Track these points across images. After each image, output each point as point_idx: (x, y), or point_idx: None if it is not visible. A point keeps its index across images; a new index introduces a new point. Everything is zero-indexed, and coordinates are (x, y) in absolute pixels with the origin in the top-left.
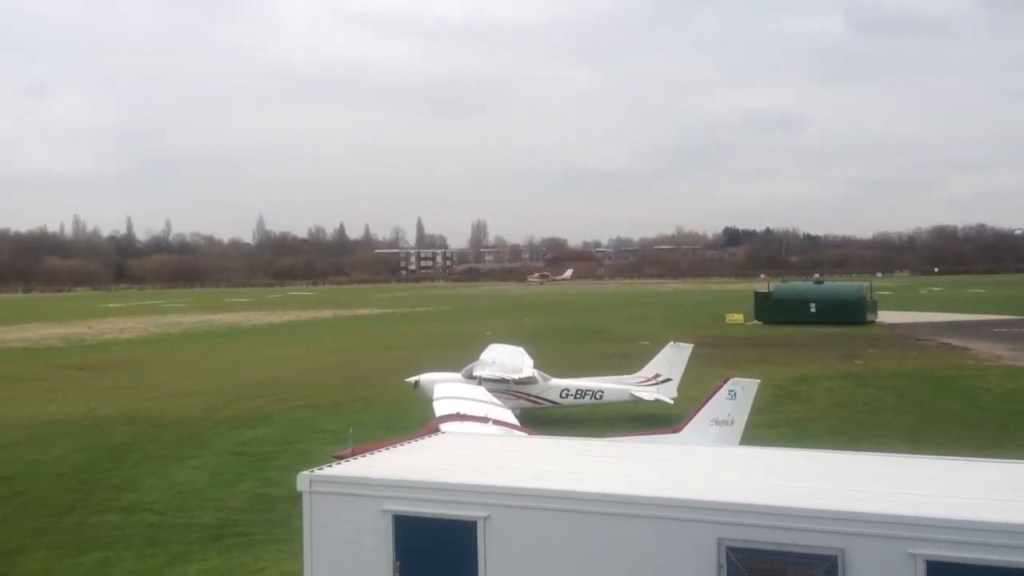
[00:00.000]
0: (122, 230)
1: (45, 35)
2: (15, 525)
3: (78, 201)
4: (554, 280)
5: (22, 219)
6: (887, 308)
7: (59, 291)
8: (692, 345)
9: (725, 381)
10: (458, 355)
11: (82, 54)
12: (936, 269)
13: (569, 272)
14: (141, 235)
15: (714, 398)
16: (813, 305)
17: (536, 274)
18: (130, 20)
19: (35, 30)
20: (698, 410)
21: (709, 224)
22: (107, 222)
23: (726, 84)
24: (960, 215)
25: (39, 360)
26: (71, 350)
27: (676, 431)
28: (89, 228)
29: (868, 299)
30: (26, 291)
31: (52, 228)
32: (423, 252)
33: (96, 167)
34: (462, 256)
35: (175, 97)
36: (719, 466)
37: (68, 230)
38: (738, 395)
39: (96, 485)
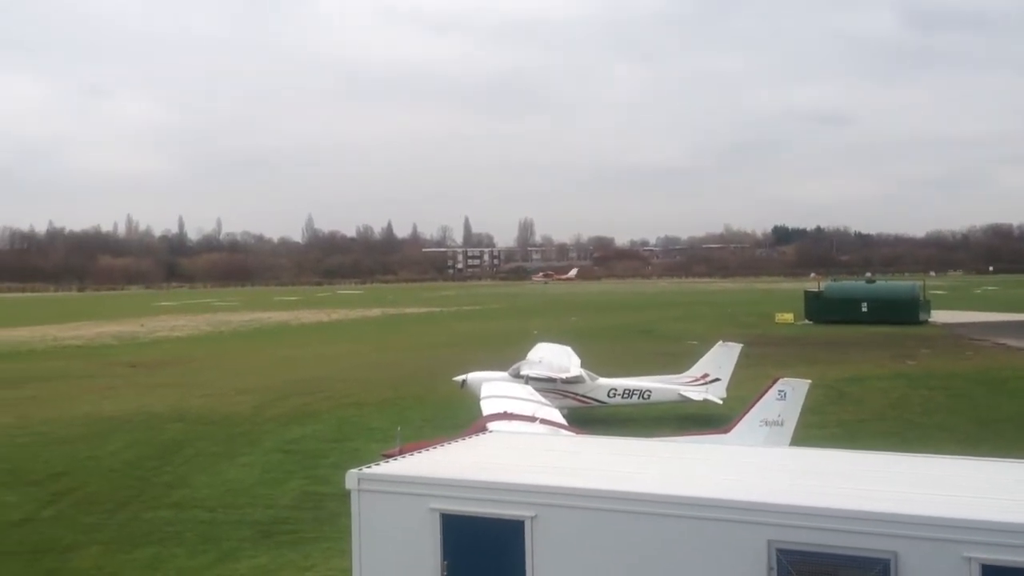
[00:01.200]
0: (174, 229)
1: (102, 37)
2: (70, 520)
3: (131, 201)
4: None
5: (77, 219)
6: (940, 307)
7: (112, 289)
8: (741, 345)
9: (775, 381)
10: (505, 354)
11: (137, 56)
12: (991, 268)
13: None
14: (192, 234)
15: (764, 398)
16: (865, 304)
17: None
18: (183, 22)
19: (93, 32)
20: (747, 410)
21: (758, 222)
22: (159, 221)
23: (776, 80)
24: (1016, 212)
25: (93, 358)
26: (124, 348)
27: (725, 431)
28: (142, 227)
29: (921, 298)
30: (80, 290)
31: (106, 227)
32: (470, 251)
33: (149, 167)
34: (509, 255)
35: (227, 98)
36: (769, 467)
37: (121, 229)
38: (788, 395)
39: (148, 481)
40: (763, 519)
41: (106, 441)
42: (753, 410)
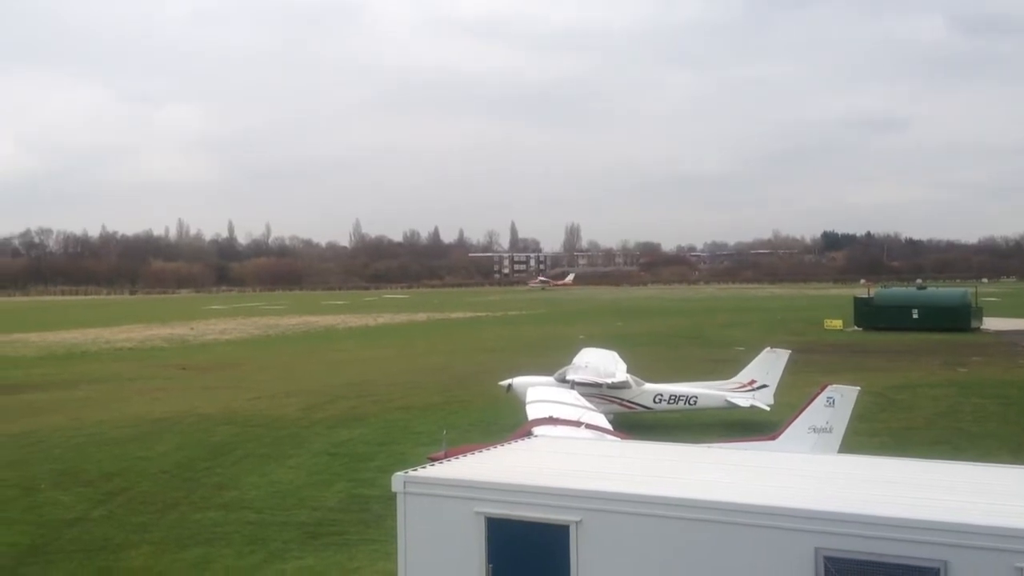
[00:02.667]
0: (224, 234)
1: (155, 48)
2: (121, 520)
3: (183, 205)
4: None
5: (130, 223)
6: (993, 315)
7: (163, 293)
8: (789, 351)
9: (823, 388)
10: (551, 359)
11: (190, 66)
12: None
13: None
14: (242, 238)
15: (812, 405)
16: (915, 311)
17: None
18: (234, 34)
19: (146, 44)
20: (795, 417)
21: (807, 228)
22: (210, 226)
23: (825, 86)
24: None
25: (145, 360)
26: (174, 350)
27: (772, 438)
28: (192, 231)
29: (973, 305)
30: (132, 293)
31: (158, 232)
32: (516, 256)
33: (200, 173)
34: (555, 260)
35: (277, 105)
36: (817, 474)
37: (173, 234)
38: (837, 402)
39: (198, 482)
40: (811, 526)
41: (157, 442)
42: (801, 417)
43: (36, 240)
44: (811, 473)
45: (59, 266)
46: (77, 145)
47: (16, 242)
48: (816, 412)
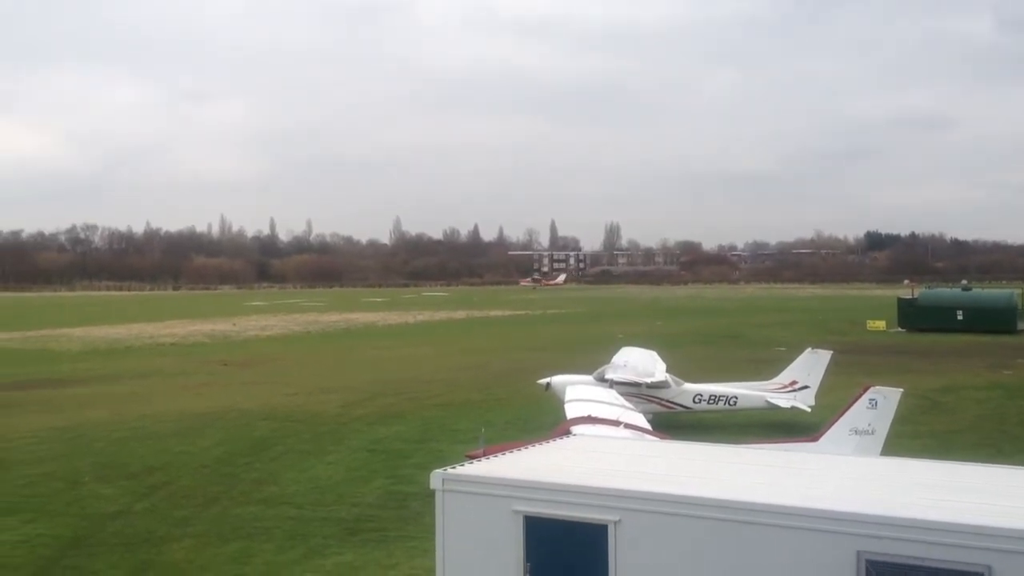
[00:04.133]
0: (265, 230)
1: (198, 45)
2: (163, 514)
3: (225, 202)
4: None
5: (173, 219)
6: None
7: (206, 289)
8: (831, 352)
9: (866, 389)
10: (590, 357)
11: (232, 63)
12: None
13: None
14: (283, 235)
15: (854, 407)
16: (960, 312)
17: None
18: (276, 31)
19: (189, 40)
20: (837, 419)
21: (850, 228)
22: (252, 223)
23: (870, 85)
24: None
25: (187, 355)
26: (216, 346)
27: (813, 440)
28: (235, 228)
29: (1019, 307)
30: (175, 289)
31: (200, 228)
32: (556, 254)
33: (243, 170)
34: (595, 258)
35: (318, 102)
36: (859, 477)
37: (215, 230)
38: (879, 404)
39: (238, 477)
40: (853, 529)
41: (198, 437)
42: (843, 418)
43: (82, 236)
44: (853, 475)
45: (104, 262)
46: (123, 141)
47: (62, 238)
48: (858, 414)
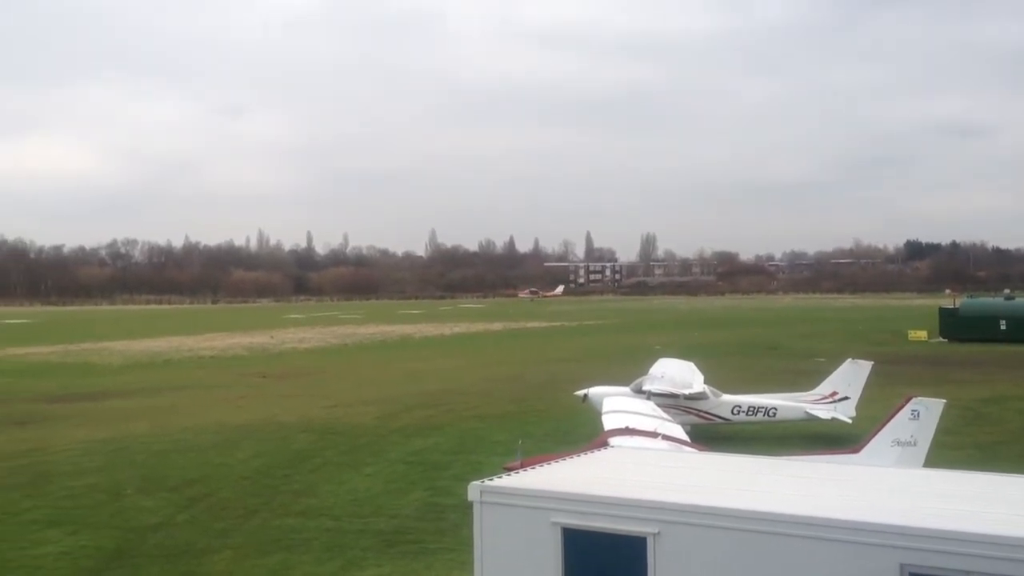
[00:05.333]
0: (302, 243)
1: (236, 61)
2: (203, 525)
3: (262, 216)
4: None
5: (212, 233)
6: None
7: (244, 302)
8: (872, 362)
9: (907, 400)
10: (627, 369)
11: (269, 77)
12: None
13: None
14: (320, 248)
15: (896, 418)
16: (1003, 322)
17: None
18: (311, 45)
19: (227, 56)
20: (878, 430)
21: (890, 237)
22: (289, 236)
23: (908, 91)
24: None
25: (226, 368)
26: (255, 359)
27: (854, 451)
28: (272, 242)
29: None
30: (214, 302)
31: (238, 242)
32: (592, 265)
33: (280, 183)
34: (631, 269)
35: (354, 116)
36: (901, 488)
37: (253, 244)
38: (921, 415)
39: (277, 489)
40: (896, 542)
41: (237, 449)
42: (885, 430)
43: (122, 251)
44: (895, 487)
45: (144, 276)
46: (161, 156)
47: (103, 252)
48: (900, 425)
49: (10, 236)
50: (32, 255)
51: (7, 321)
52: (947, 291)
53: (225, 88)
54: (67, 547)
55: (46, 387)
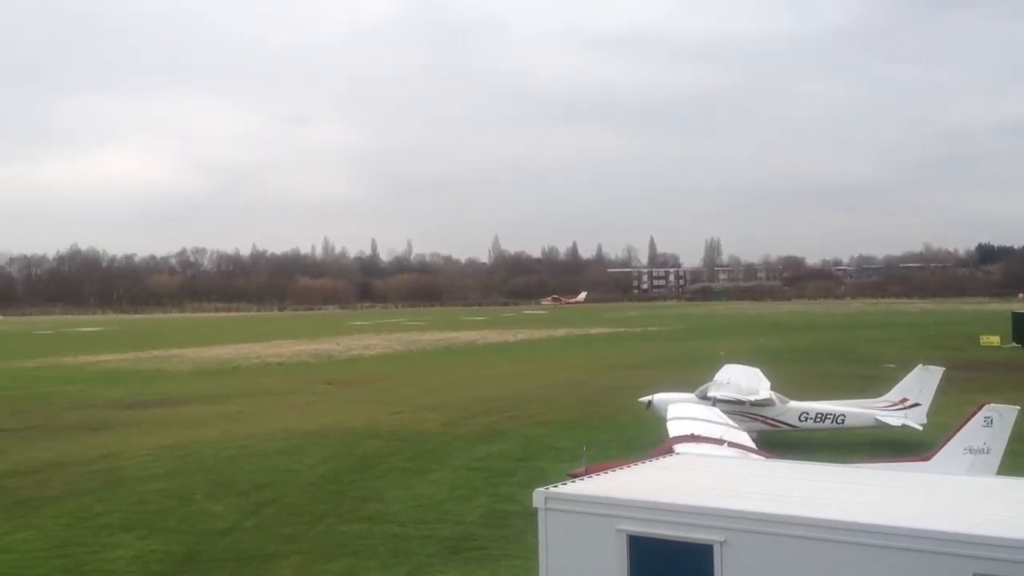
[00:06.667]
0: (367, 251)
1: (302, 70)
2: (271, 530)
3: (328, 224)
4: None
5: (279, 241)
6: None
7: (310, 309)
8: (943, 368)
9: (980, 407)
10: (691, 375)
11: (334, 86)
12: None
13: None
14: (384, 255)
15: (968, 425)
16: None
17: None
18: (377, 54)
19: (293, 66)
20: (950, 437)
21: (960, 240)
22: (354, 243)
23: (979, 91)
24: None
25: (293, 375)
26: (321, 365)
27: (925, 459)
28: (337, 249)
29: None
30: (281, 309)
31: (304, 250)
32: (655, 271)
33: (345, 192)
34: (695, 275)
35: (417, 124)
36: (974, 497)
37: (319, 251)
38: (995, 422)
39: (343, 495)
40: (968, 551)
41: (304, 455)
42: (957, 437)
43: (191, 259)
44: (968, 495)
45: (212, 284)
46: (229, 165)
47: (173, 261)
48: (973, 432)
49: (83, 246)
50: (104, 264)
51: (81, 329)
52: (1021, 295)
53: (291, 97)
54: (138, 551)
55: (118, 394)
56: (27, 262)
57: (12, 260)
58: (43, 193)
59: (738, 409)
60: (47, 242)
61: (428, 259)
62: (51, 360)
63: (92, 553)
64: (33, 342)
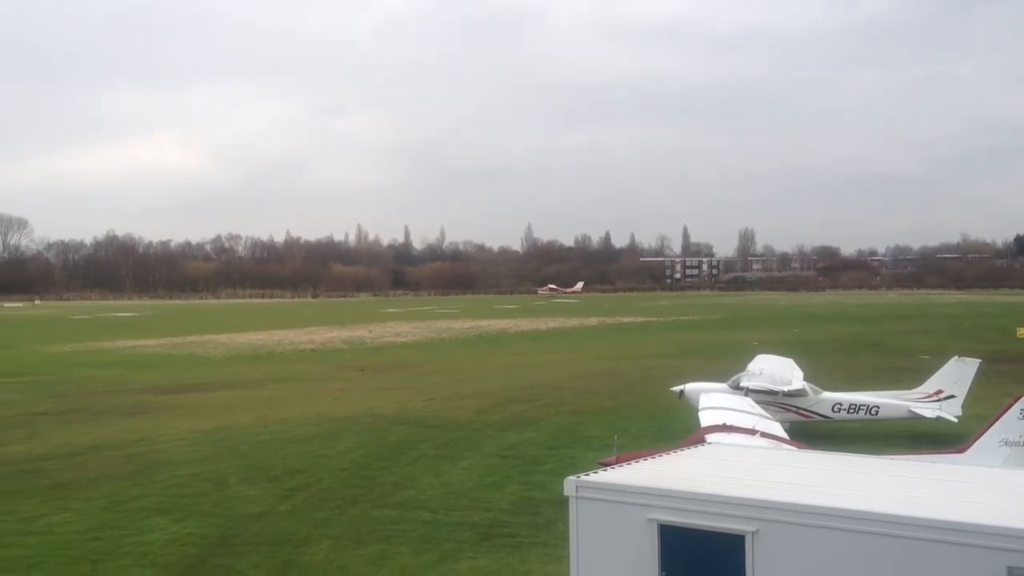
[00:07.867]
0: (400, 239)
1: (338, 61)
2: (304, 515)
3: (361, 211)
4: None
5: (312, 229)
6: None
7: (343, 296)
8: (979, 360)
9: (1017, 399)
10: (723, 365)
11: (369, 77)
12: None
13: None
14: (417, 243)
15: (1004, 417)
16: None
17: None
18: (412, 45)
19: (329, 57)
20: (986, 429)
21: (998, 231)
22: (387, 231)
23: (1012, 84)
24: None
25: (326, 361)
26: (353, 352)
27: (961, 451)
28: (371, 237)
29: None
30: (314, 296)
31: (338, 237)
32: (688, 260)
33: (378, 180)
34: (728, 265)
35: (451, 113)
36: (1010, 490)
37: (352, 239)
38: None
39: (375, 481)
40: (1004, 544)
41: (337, 441)
42: (992, 429)
43: (226, 246)
44: (1004, 488)
45: (247, 270)
46: (265, 155)
47: (208, 247)
48: (1009, 425)
49: (120, 232)
50: (140, 250)
51: (117, 314)
52: None
53: (326, 87)
54: (173, 534)
55: (154, 378)
56: (64, 248)
57: (50, 246)
58: (82, 181)
59: (771, 399)
60: (85, 228)
61: (461, 247)
62: (88, 345)
63: (128, 536)
64: (70, 327)
